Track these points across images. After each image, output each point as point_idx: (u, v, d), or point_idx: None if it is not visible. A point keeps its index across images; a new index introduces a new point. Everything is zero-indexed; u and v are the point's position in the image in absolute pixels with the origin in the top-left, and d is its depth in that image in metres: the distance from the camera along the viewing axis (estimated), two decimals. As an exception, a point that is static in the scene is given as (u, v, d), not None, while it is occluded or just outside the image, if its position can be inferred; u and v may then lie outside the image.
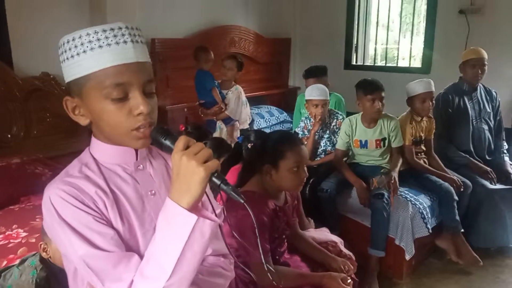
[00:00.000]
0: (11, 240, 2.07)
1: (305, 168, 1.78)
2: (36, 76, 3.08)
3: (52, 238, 0.90)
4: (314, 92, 3.06)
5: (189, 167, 0.78)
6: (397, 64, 4.81)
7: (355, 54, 4.99)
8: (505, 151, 3.34)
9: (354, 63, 4.99)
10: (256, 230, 0.87)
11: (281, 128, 4.35)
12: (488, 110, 3.30)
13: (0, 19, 2.90)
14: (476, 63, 3.09)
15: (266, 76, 5.08)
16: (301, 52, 5.38)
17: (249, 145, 2.29)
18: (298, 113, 3.81)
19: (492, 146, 3.33)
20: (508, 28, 3.80)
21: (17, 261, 1.80)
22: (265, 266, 0.91)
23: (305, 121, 3.27)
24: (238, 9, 4.73)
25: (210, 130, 3.30)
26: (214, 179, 0.81)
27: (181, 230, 0.78)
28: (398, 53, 4.84)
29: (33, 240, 2.06)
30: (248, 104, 3.82)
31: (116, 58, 0.84)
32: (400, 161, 2.88)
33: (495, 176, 3.06)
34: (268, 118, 4.35)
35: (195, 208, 0.81)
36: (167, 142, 0.86)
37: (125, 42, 0.85)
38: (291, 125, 4.21)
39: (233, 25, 4.56)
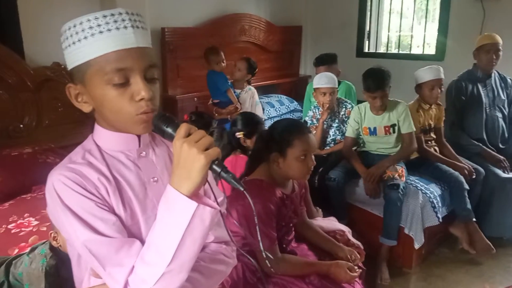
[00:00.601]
0: (23, 229, 2.11)
1: (313, 157, 1.76)
2: (47, 66, 3.10)
3: (55, 224, 0.91)
4: (322, 80, 3.03)
5: (190, 154, 0.78)
6: (410, 51, 4.72)
7: (367, 42, 4.91)
8: None
9: (366, 50, 4.91)
10: (255, 217, 0.86)
11: (291, 117, 4.32)
12: (503, 97, 3.23)
13: (11, 10, 2.93)
14: (490, 48, 3.02)
15: (277, 65, 5.04)
16: (312, 40, 5.32)
17: (238, 134, 2.31)
18: (308, 102, 3.78)
19: (506, 135, 3.27)
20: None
21: (28, 249, 1.84)
22: (263, 253, 0.90)
23: (314, 110, 3.25)
24: (248, -3, 4.69)
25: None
26: (214, 166, 0.81)
27: (181, 217, 0.79)
28: (411, 40, 4.74)
29: (44, 229, 2.10)
30: (260, 104, 3.83)
31: (117, 44, 0.84)
32: (411, 150, 2.80)
33: (508, 164, 3.01)
34: (278, 107, 4.33)
35: (196, 195, 0.82)
36: (169, 129, 0.86)
37: (125, 27, 0.85)
38: (301, 114, 4.18)
39: (244, 13, 4.53)
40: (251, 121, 2.41)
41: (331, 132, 3.16)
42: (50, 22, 3.14)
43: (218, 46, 3.74)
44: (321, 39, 5.16)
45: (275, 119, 4.06)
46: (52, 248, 1.64)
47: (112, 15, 0.85)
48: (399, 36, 4.85)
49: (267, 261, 0.97)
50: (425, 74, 2.87)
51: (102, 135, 0.95)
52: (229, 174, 0.82)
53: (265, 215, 1.66)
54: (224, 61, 3.62)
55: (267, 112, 4.14)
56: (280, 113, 4.31)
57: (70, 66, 0.89)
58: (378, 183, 2.71)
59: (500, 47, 3.02)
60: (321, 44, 5.03)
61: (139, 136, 0.96)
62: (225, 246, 1.03)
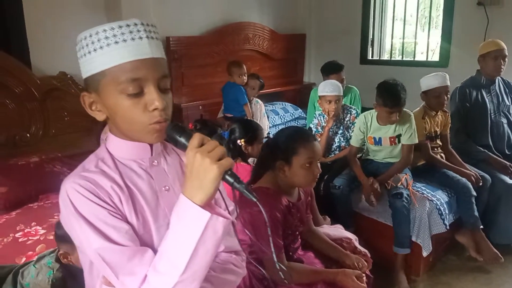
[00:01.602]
0: (30, 237, 2.12)
1: (318, 164, 1.76)
2: (53, 75, 3.13)
3: (68, 231, 0.91)
4: (327, 88, 3.04)
5: (203, 164, 0.79)
6: (414, 58, 4.73)
7: (371, 49, 4.92)
8: None
9: (370, 57, 4.92)
10: (268, 228, 0.87)
11: (296, 124, 4.33)
12: (507, 103, 3.22)
13: (17, 20, 2.96)
14: (498, 55, 3.01)
15: (281, 73, 5.05)
16: (316, 48, 5.34)
17: (240, 141, 2.31)
18: (312, 108, 3.80)
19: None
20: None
21: (35, 258, 1.85)
22: (276, 264, 0.90)
23: (319, 118, 3.25)
24: (252, 6, 4.71)
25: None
26: (227, 177, 0.82)
27: (194, 227, 0.79)
28: (415, 47, 4.75)
29: (51, 237, 2.10)
30: (266, 115, 3.96)
31: (132, 54, 0.85)
32: (408, 162, 2.79)
33: None
34: (283, 115, 4.34)
35: (208, 205, 0.82)
36: (182, 139, 0.87)
37: (140, 38, 0.86)
38: (305, 122, 4.19)
39: (248, 21, 4.55)
40: (250, 128, 2.40)
41: (336, 139, 3.16)
42: (56, 31, 3.18)
43: (240, 60, 3.92)
44: (325, 46, 5.18)
45: (280, 127, 4.08)
46: (58, 260, 1.64)
47: (128, 25, 0.86)
48: (403, 43, 4.86)
49: (280, 273, 0.97)
50: (432, 81, 2.86)
51: (115, 144, 0.96)
52: (242, 185, 0.83)
53: (271, 223, 1.66)
54: (246, 74, 3.75)
55: (272, 119, 4.15)
56: (285, 120, 4.31)
57: (85, 75, 0.90)
58: (377, 193, 2.69)
59: (507, 53, 3.02)
60: (325, 52, 5.05)
61: (151, 145, 0.97)
62: (235, 256, 1.03)
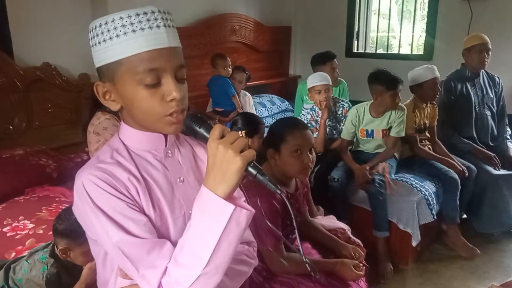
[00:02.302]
0: (18, 232, 2.06)
1: (311, 154, 1.75)
2: (37, 66, 3.04)
3: (83, 224, 0.89)
4: (315, 78, 3.07)
5: (226, 156, 0.77)
6: (399, 52, 4.78)
7: (356, 42, 4.96)
8: (508, 137, 3.34)
9: (355, 51, 4.96)
10: (294, 221, 0.88)
11: (283, 116, 4.33)
12: (491, 96, 3.29)
13: (0, 9, 2.85)
14: (482, 48, 3.06)
15: (267, 65, 5.04)
16: (302, 40, 5.34)
17: (241, 133, 2.30)
18: (299, 101, 3.80)
19: (495, 132, 3.33)
20: (509, 14, 3.78)
21: (26, 253, 1.80)
22: (304, 259, 0.90)
23: (311, 113, 3.23)
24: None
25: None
26: (250, 169, 0.80)
27: (218, 220, 0.78)
28: (400, 41, 4.80)
29: (41, 232, 2.06)
30: (254, 107, 3.99)
31: (150, 43, 0.82)
32: (391, 154, 2.85)
33: (499, 161, 3.06)
34: (270, 107, 4.33)
35: (230, 197, 0.80)
36: (202, 130, 0.85)
37: (158, 26, 0.83)
38: (293, 114, 4.19)
39: (234, 13, 4.51)
40: (252, 121, 2.40)
41: (328, 130, 3.17)
42: (39, 22, 3.08)
43: (224, 52, 3.92)
44: (311, 39, 5.18)
45: (267, 119, 4.08)
46: (53, 255, 1.60)
47: (145, 13, 0.83)
48: (388, 36, 4.92)
49: (307, 266, 0.97)
50: (426, 73, 2.90)
51: (129, 134, 0.93)
52: (265, 177, 0.82)
53: (270, 214, 1.65)
54: (230, 66, 3.74)
55: (259, 112, 4.13)
56: (272, 113, 4.31)
57: (99, 64, 0.87)
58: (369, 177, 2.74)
59: (490, 47, 3.07)
60: (310, 44, 5.05)
61: (166, 136, 0.94)
62: (247, 247, 1.02)
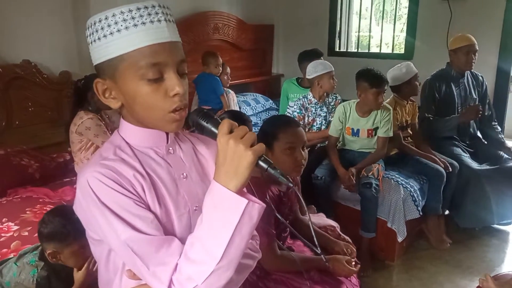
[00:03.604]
0: (3, 234, 2.01)
1: (304, 151, 1.76)
2: (17, 64, 2.96)
3: (87, 223, 0.87)
4: (323, 65, 3.15)
5: (237, 151, 0.77)
6: (380, 51, 4.85)
7: (338, 41, 5.00)
8: (499, 132, 3.38)
9: (337, 49, 5.00)
10: (309, 217, 0.87)
11: (267, 115, 4.33)
12: (474, 96, 3.32)
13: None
14: (470, 50, 3.09)
15: (250, 63, 5.03)
16: (284, 39, 5.35)
17: None
18: (284, 99, 3.80)
19: (477, 133, 3.38)
20: (488, 14, 3.87)
21: (11, 256, 1.75)
22: (323, 258, 0.90)
23: (303, 99, 3.23)
24: (221, -5, 4.65)
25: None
26: (261, 163, 0.80)
27: (231, 214, 0.77)
28: (381, 40, 4.87)
29: (26, 234, 2.01)
30: (238, 106, 4.01)
31: (152, 38, 0.81)
32: (382, 154, 2.87)
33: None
34: (254, 106, 4.33)
35: (241, 192, 0.80)
36: (210, 126, 0.85)
37: (159, 21, 0.82)
38: (277, 112, 4.20)
39: (216, 11, 4.48)
40: (239, 118, 2.38)
41: (318, 120, 3.21)
42: (19, 19, 3.00)
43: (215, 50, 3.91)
44: (293, 38, 5.19)
45: (252, 118, 4.07)
46: (43, 258, 1.56)
47: (146, 7, 0.81)
48: (369, 36, 4.98)
49: (323, 257, 0.97)
50: (407, 71, 2.95)
51: (130, 131, 0.91)
52: (276, 170, 0.82)
53: (264, 212, 1.64)
54: (221, 65, 3.73)
55: (244, 110, 4.11)
56: (256, 111, 4.31)
57: (98, 60, 0.85)
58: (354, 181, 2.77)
59: (477, 48, 3.12)
60: (293, 43, 5.06)
61: (167, 132, 0.93)
62: (251, 240, 1.01)
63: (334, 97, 3.30)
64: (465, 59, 3.12)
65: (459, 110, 3.27)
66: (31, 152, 2.76)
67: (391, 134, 2.83)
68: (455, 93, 3.25)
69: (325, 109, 3.23)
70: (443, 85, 3.23)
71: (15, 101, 2.98)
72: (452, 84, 3.25)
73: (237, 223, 0.76)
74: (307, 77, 3.21)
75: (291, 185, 0.82)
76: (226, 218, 0.77)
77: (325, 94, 3.20)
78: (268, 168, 0.80)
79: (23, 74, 2.98)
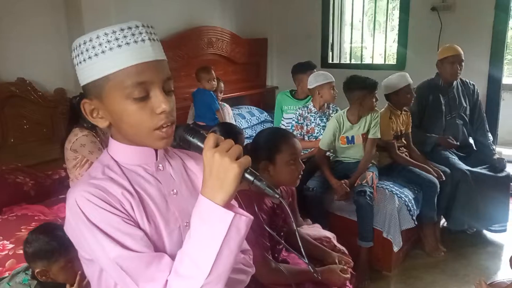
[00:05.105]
0: (-2, 252, 2.00)
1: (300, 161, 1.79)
2: (11, 82, 2.98)
3: (77, 242, 0.87)
4: (323, 76, 3.21)
5: (223, 164, 0.78)
6: (372, 62, 4.90)
7: (331, 53, 5.05)
8: (491, 142, 3.39)
9: (330, 61, 5.05)
10: (268, 229, 0.87)
11: (262, 127, 4.35)
12: (464, 105, 3.35)
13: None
14: (455, 60, 3.14)
15: (244, 77, 5.07)
16: (278, 52, 5.39)
17: None
18: (279, 112, 3.83)
19: (468, 141, 3.40)
20: (477, 24, 3.93)
21: (6, 274, 1.74)
22: (309, 267, 0.92)
23: (302, 109, 3.30)
24: (214, 10, 4.70)
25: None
26: (247, 175, 0.81)
27: (218, 228, 0.78)
28: (373, 51, 4.93)
29: (21, 252, 1.98)
30: (234, 119, 4.03)
31: (136, 57, 0.82)
32: (372, 156, 2.91)
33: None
34: (249, 118, 4.35)
35: (228, 205, 0.81)
36: (195, 141, 0.86)
37: (143, 40, 0.84)
38: (272, 125, 4.22)
39: (210, 26, 4.53)
40: (231, 131, 2.39)
41: (316, 130, 3.24)
42: (14, 36, 3.02)
43: (208, 65, 3.91)
44: (287, 50, 5.23)
45: (247, 130, 4.09)
46: (34, 277, 1.56)
47: (129, 28, 0.83)
48: (361, 47, 5.04)
49: (310, 267, 0.99)
50: (400, 80, 2.99)
51: (119, 150, 0.93)
52: (262, 182, 0.83)
53: (256, 225, 1.65)
54: (215, 79, 3.74)
55: (239, 123, 4.13)
56: (251, 124, 4.33)
57: (84, 81, 0.86)
58: (347, 195, 2.79)
59: (463, 58, 3.16)
60: (286, 56, 5.09)
61: (156, 150, 0.94)
62: (243, 255, 1.02)
63: (334, 109, 3.33)
64: (450, 69, 3.17)
65: (447, 119, 3.30)
66: (26, 169, 2.77)
67: (378, 136, 2.87)
68: (442, 102, 3.28)
69: (324, 120, 3.26)
70: (430, 94, 3.27)
71: (10, 119, 2.99)
72: (439, 94, 3.28)
73: (224, 236, 0.77)
74: (308, 87, 3.26)
75: (277, 196, 0.83)
76: (213, 232, 0.78)
77: (325, 104, 3.25)
78: (254, 180, 0.81)
79: (18, 92, 3.00)
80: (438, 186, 2.87)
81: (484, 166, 3.17)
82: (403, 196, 2.78)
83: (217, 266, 0.78)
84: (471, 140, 3.44)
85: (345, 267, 1.79)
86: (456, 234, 3.17)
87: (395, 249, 2.70)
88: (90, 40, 0.82)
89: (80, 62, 0.85)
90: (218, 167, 0.78)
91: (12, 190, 2.51)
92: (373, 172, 2.84)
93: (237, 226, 0.79)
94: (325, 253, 1.92)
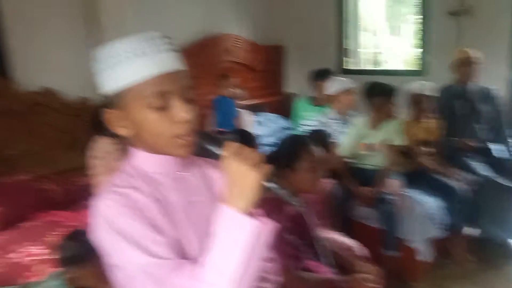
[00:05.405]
0: (26, 258, 2.04)
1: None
2: (37, 91, 3.04)
3: (101, 249, 0.88)
4: (346, 81, 3.23)
5: (243, 172, 0.79)
6: (391, 67, 4.87)
7: (348, 59, 5.03)
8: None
9: (347, 67, 5.03)
10: (290, 237, 0.87)
11: (282, 134, 4.34)
12: (482, 109, 3.29)
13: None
14: (465, 62, 3.15)
15: (263, 84, 5.09)
16: (294, 58, 5.39)
17: None
18: (297, 118, 3.84)
19: (487, 145, 3.32)
20: (497, 28, 3.86)
21: (39, 280, 1.76)
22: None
23: (323, 116, 3.33)
24: (230, 18, 4.75)
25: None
26: (267, 183, 0.82)
27: (241, 236, 0.79)
28: (391, 57, 4.90)
29: (47, 257, 2.02)
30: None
31: (156, 67, 0.84)
32: (394, 161, 2.87)
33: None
34: (270, 126, 4.36)
35: (251, 212, 0.81)
36: (215, 148, 0.87)
37: (162, 51, 0.85)
38: (291, 131, 4.21)
39: (227, 33, 4.58)
40: (246, 138, 2.40)
41: (337, 136, 3.20)
42: (37, 46, 3.10)
43: (226, 72, 4.03)
44: (303, 57, 5.23)
45: (267, 138, 4.08)
46: (67, 282, 1.58)
47: (149, 39, 0.85)
48: (378, 52, 5.01)
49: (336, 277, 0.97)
50: (414, 88, 3.03)
51: (140, 158, 0.94)
52: (283, 190, 0.83)
53: (279, 232, 1.65)
54: (235, 87, 3.83)
55: (258, 130, 4.14)
56: (271, 131, 4.32)
57: (106, 91, 0.88)
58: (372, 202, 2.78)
59: (474, 60, 3.14)
60: (303, 62, 5.09)
61: (177, 157, 0.95)
62: (268, 264, 1.02)
63: (354, 115, 3.30)
64: (461, 72, 3.19)
65: (464, 123, 3.27)
66: (52, 176, 2.80)
67: (400, 143, 2.85)
68: (458, 106, 3.25)
69: (344, 126, 3.23)
70: (446, 98, 3.26)
71: (35, 127, 3.05)
72: (456, 98, 3.26)
73: (246, 243, 0.78)
74: (328, 93, 3.25)
75: (297, 204, 0.83)
76: (235, 239, 0.79)
77: (345, 111, 3.22)
78: (275, 188, 0.82)
79: (42, 101, 3.06)
80: (463, 193, 2.82)
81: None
82: (428, 204, 2.74)
83: (240, 273, 0.79)
84: (490, 145, 3.37)
85: (372, 278, 1.76)
86: (486, 244, 3.06)
87: (422, 258, 2.66)
88: (111, 50, 0.84)
89: (101, 72, 0.86)
90: (239, 175, 0.79)
91: (38, 197, 2.56)
92: (397, 179, 2.81)
93: (259, 234, 0.80)
94: (351, 261, 1.90)
